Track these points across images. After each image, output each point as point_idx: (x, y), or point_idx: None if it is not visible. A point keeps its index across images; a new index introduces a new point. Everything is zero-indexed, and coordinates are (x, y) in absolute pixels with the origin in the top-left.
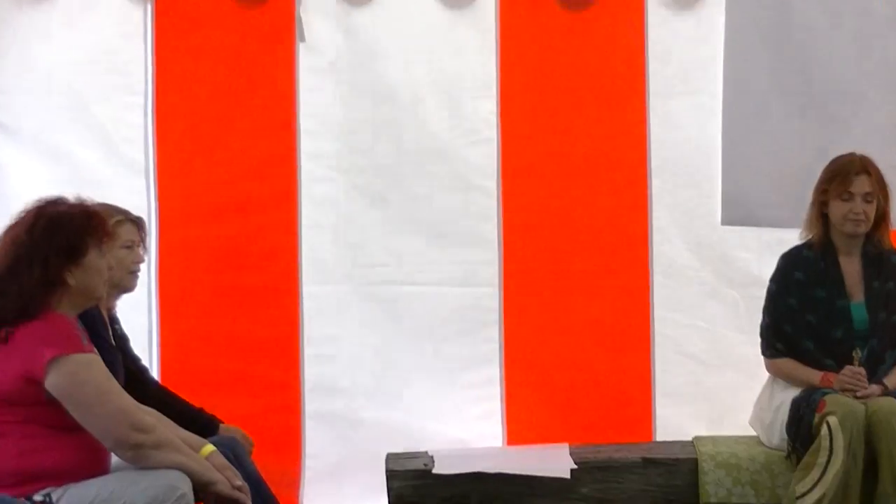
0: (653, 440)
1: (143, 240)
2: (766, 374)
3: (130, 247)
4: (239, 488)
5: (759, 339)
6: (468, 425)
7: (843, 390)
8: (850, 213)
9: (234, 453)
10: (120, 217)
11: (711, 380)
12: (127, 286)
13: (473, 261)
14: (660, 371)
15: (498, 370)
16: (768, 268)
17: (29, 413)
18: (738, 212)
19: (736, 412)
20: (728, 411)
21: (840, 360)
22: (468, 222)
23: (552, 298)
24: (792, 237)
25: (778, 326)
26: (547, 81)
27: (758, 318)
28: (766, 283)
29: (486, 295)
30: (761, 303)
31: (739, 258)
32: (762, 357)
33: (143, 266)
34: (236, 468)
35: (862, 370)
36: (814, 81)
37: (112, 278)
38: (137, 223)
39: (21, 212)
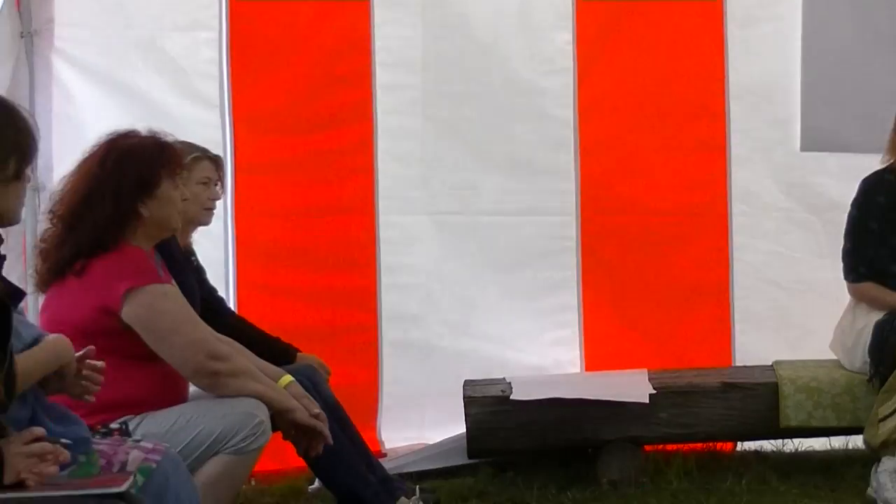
0: (732, 365)
1: (220, 178)
2: (846, 299)
3: (206, 183)
4: (317, 416)
5: (839, 264)
6: (546, 352)
7: None
8: None
9: (312, 381)
10: (197, 154)
11: (791, 305)
12: (202, 221)
13: (551, 189)
14: (739, 297)
15: (576, 297)
16: (848, 193)
17: (106, 343)
18: (817, 138)
19: (816, 337)
20: (808, 335)
21: None
22: (545, 152)
23: (629, 225)
24: (872, 162)
25: (860, 250)
26: (622, 11)
27: (837, 243)
28: (846, 208)
29: (564, 223)
30: (841, 228)
31: (819, 184)
32: (844, 282)
33: (219, 201)
34: (314, 397)
35: None
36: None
37: (187, 212)
38: (215, 161)
39: (93, 145)
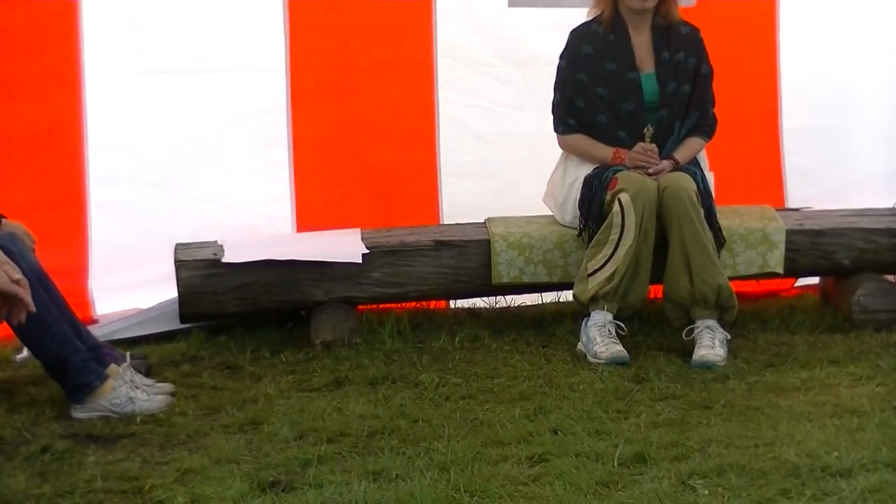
0: (440, 222)
1: None
2: (548, 152)
3: None
4: (17, 282)
5: (541, 118)
6: (258, 210)
7: (635, 167)
8: None
9: (15, 248)
10: None
11: (494, 158)
12: None
13: (259, 46)
14: (445, 150)
15: (287, 153)
16: (552, 46)
17: None
18: None
19: (518, 189)
20: (511, 187)
21: (632, 134)
22: (253, 7)
23: (338, 81)
24: (579, 16)
25: (569, 101)
26: None
27: (540, 96)
28: (547, 62)
29: (272, 80)
30: (543, 81)
31: (521, 37)
32: (554, 134)
33: None
34: (17, 264)
35: (653, 146)
36: None
37: None
38: None
39: None
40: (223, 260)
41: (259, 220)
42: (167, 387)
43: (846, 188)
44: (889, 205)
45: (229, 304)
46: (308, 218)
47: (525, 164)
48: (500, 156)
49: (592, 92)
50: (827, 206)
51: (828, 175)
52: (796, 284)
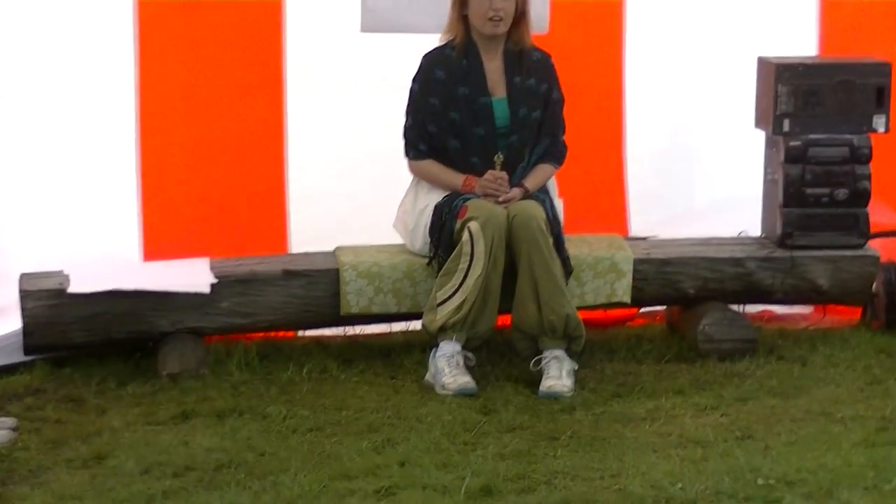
0: (288, 246)
1: None
2: (400, 175)
3: None
4: None
5: (392, 141)
6: (105, 238)
7: (485, 195)
8: (490, 10)
9: None
10: None
11: (346, 180)
12: None
13: (107, 70)
14: (294, 179)
15: (135, 179)
16: (403, 70)
17: None
18: (377, 19)
19: (368, 212)
20: (360, 211)
21: (483, 159)
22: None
23: (187, 105)
24: (430, 41)
25: (421, 126)
26: None
27: (394, 118)
28: (400, 85)
29: (120, 105)
30: (394, 104)
31: (373, 61)
32: (406, 159)
33: None
34: None
35: (503, 174)
36: None
37: None
38: None
39: None
40: (69, 290)
41: (106, 248)
42: (9, 421)
43: (690, 214)
44: (733, 231)
45: (75, 335)
46: (155, 245)
47: (375, 187)
48: (350, 179)
49: (445, 116)
50: (671, 232)
51: (672, 201)
52: (641, 311)
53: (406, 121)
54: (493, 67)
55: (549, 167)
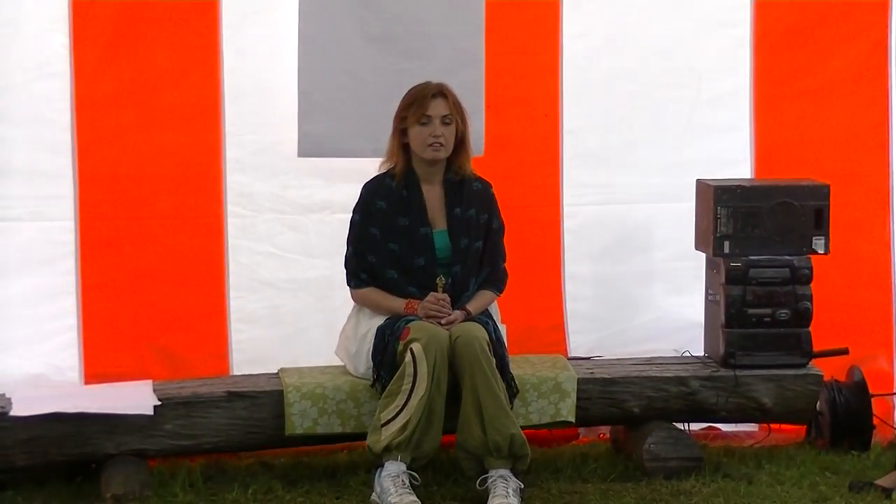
0: (229, 373)
1: None
2: (336, 296)
3: None
4: None
5: (331, 264)
6: (46, 360)
7: (428, 317)
8: (430, 136)
9: None
10: None
11: (284, 304)
12: None
13: (49, 194)
14: (234, 297)
15: (75, 303)
16: (341, 196)
17: None
18: (314, 144)
19: (308, 334)
20: (300, 333)
21: (423, 288)
22: (43, 155)
23: (129, 229)
24: (369, 166)
25: (362, 256)
26: (122, 12)
27: (330, 243)
28: (337, 209)
29: (63, 228)
30: (334, 228)
31: (310, 185)
32: (348, 287)
33: None
34: None
35: (446, 296)
36: (390, 16)
37: None
38: None
39: None
40: (11, 413)
41: (46, 369)
42: None
43: (628, 333)
44: (671, 349)
45: (17, 458)
46: (96, 367)
47: (315, 310)
48: (290, 302)
49: (384, 247)
50: (610, 352)
51: (610, 320)
52: (583, 432)
53: (347, 250)
54: (433, 197)
55: (489, 293)
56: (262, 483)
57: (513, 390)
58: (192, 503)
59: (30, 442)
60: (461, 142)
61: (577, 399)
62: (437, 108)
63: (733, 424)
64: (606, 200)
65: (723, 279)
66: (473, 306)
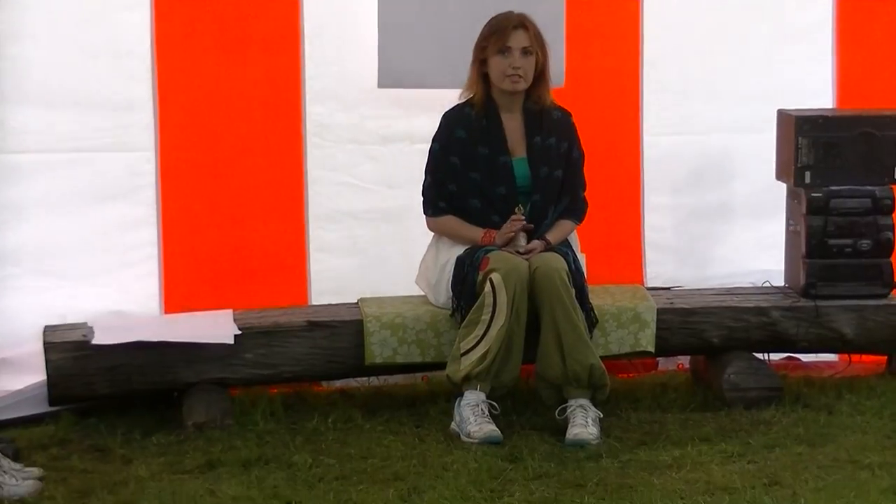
0: (308, 303)
1: None
2: (418, 228)
3: None
4: None
5: (409, 195)
6: (127, 291)
7: (505, 243)
8: (510, 67)
9: None
10: None
11: (363, 234)
12: None
13: (128, 124)
14: (314, 227)
15: (156, 234)
16: (420, 126)
17: None
18: (394, 74)
19: (389, 263)
20: (381, 263)
21: (504, 217)
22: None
23: (209, 161)
24: (449, 96)
25: (441, 184)
26: None
27: (410, 174)
28: (420, 139)
29: (142, 159)
30: (412, 159)
31: (391, 116)
32: (424, 216)
33: None
34: None
35: (522, 217)
36: None
37: None
38: None
39: None
40: (93, 342)
41: (127, 298)
42: (35, 471)
43: (707, 264)
44: (750, 280)
45: (100, 387)
46: (176, 296)
47: (394, 240)
48: (368, 232)
49: (465, 176)
50: (689, 283)
51: (689, 251)
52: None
53: (425, 179)
54: (513, 126)
55: (569, 223)
56: (342, 412)
57: (592, 320)
58: (272, 432)
59: (112, 370)
60: (541, 73)
61: (657, 329)
62: (518, 39)
63: (813, 355)
64: (687, 131)
65: (804, 210)
66: (553, 236)
